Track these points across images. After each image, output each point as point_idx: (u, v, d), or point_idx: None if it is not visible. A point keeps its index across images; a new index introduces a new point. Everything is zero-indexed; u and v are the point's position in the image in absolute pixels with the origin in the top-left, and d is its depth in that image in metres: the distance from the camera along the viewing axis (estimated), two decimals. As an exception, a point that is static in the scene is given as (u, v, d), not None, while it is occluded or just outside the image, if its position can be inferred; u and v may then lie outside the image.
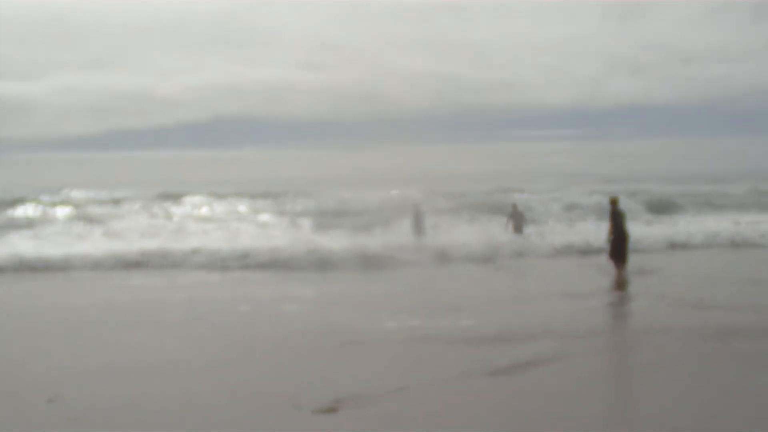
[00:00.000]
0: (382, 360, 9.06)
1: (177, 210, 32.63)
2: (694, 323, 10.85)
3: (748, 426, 6.49)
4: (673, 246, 22.05)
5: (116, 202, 35.55)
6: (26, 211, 33.26)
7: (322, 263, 18.63)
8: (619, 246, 16.46)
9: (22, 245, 21.03)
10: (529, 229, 24.45)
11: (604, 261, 16.88)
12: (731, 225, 25.98)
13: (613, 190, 29.71)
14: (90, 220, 27.45)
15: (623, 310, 13.05)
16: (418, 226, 23.71)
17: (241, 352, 9.54)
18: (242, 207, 33.16)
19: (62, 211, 32.95)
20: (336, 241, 20.71)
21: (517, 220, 24.12)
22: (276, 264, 18.80)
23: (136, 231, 24.49)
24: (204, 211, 32.43)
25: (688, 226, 26.28)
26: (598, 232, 21.72)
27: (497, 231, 23.96)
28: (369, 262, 18.56)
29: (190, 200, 35.00)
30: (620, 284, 15.27)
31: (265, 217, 29.25)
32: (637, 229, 21.79)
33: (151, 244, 20.66)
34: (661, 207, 32.33)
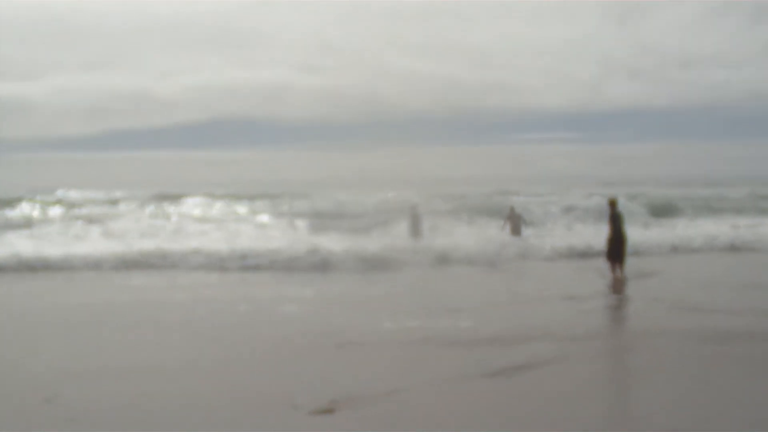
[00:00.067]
0: (380, 361, 9.06)
1: (175, 210, 32.60)
2: (692, 326, 10.86)
3: (746, 428, 6.48)
4: (672, 249, 22.04)
5: (115, 202, 35.57)
6: (25, 210, 33.23)
7: (320, 264, 18.62)
8: (616, 248, 16.46)
9: (21, 245, 20.99)
10: (527, 232, 24.47)
11: (602, 263, 16.89)
12: (730, 229, 25.98)
13: (612, 193, 29.75)
14: (88, 220, 27.40)
15: (621, 313, 13.05)
16: (416, 228, 23.72)
17: (239, 352, 9.53)
18: (240, 208, 33.14)
19: (61, 211, 32.93)
20: (334, 243, 20.70)
21: (515, 222, 24.15)
22: (275, 265, 18.79)
23: (134, 231, 24.48)
24: (202, 211, 32.39)
25: (686, 229, 26.28)
26: (597, 234, 21.77)
27: (495, 233, 23.98)
28: (367, 264, 18.55)
29: (188, 201, 34.97)
30: (618, 287, 15.26)
31: (263, 219, 29.23)
32: (635, 232, 21.81)
33: (149, 245, 20.64)
34: (661, 210, 32.32)
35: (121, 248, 20.13)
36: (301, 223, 27.27)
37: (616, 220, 16.55)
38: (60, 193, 40.54)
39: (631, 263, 17.10)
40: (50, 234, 23.80)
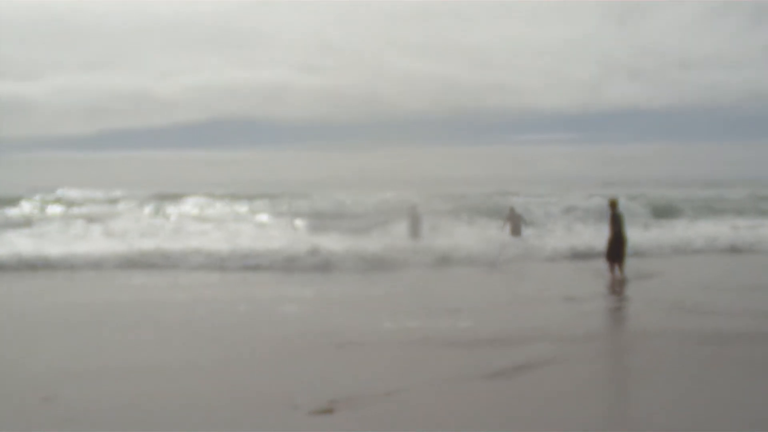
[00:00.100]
0: (380, 361, 9.05)
1: (175, 210, 32.61)
2: (692, 327, 10.86)
3: (745, 428, 6.47)
4: (673, 250, 22.01)
5: (114, 201, 35.58)
6: (24, 209, 33.27)
7: (320, 264, 18.62)
8: (616, 249, 16.45)
9: (21, 244, 21.00)
10: (527, 232, 24.46)
11: (602, 264, 16.89)
12: (730, 230, 25.97)
13: (612, 193, 29.72)
14: (88, 219, 27.37)
15: (621, 314, 13.04)
16: (415, 229, 23.72)
17: (239, 352, 9.52)
18: (240, 208, 33.14)
19: (60, 211, 32.96)
20: (334, 243, 20.70)
21: (515, 222, 24.14)
22: (274, 265, 18.78)
23: (134, 231, 24.46)
24: (202, 211, 32.39)
25: (687, 230, 26.25)
26: (597, 235, 21.78)
27: (495, 233, 23.97)
28: (367, 264, 18.56)
29: (187, 201, 34.96)
30: (617, 287, 15.25)
31: (263, 218, 29.23)
32: (636, 233, 21.80)
33: (149, 244, 20.61)
34: (662, 211, 32.32)
35: (121, 248, 20.11)
36: (301, 223, 27.30)
37: (616, 221, 16.54)
38: (60, 192, 40.52)
39: (631, 264, 17.10)
40: (50, 233, 23.79)
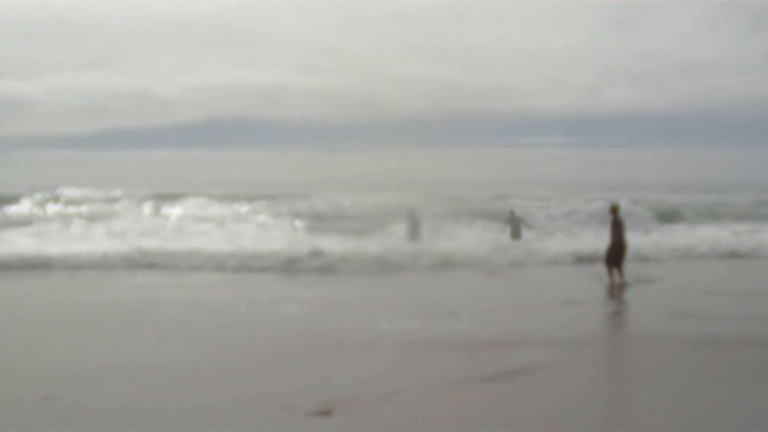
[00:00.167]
0: (379, 363, 9.05)
1: (173, 210, 32.61)
2: (690, 332, 10.86)
3: (745, 429, 6.49)
4: (673, 255, 21.99)
5: (113, 201, 35.57)
6: (24, 209, 33.27)
7: (319, 266, 18.61)
8: (616, 254, 16.44)
9: (21, 242, 21.00)
10: (527, 235, 24.46)
11: (601, 268, 16.88)
12: (731, 235, 25.95)
13: (611, 197, 29.72)
14: (87, 218, 27.37)
15: (619, 318, 13.05)
16: (414, 231, 23.70)
17: (239, 352, 9.53)
18: (238, 209, 33.13)
19: (60, 210, 32.95)
20: (333, 244, 20.71)
21: (515, 225, 24.14)
22: (274, 266, 18.77)
23: (133, 230, 24.47)
24: (201, 211, 32.38)
25: (687, 235, 26.22)
26: (596, 239, 21.78)
27: (494, 236, 23.96)
28: (366, 266, 18.55)
29: (186, 201, 34.94)
30: (616, 292, 15.25)
31: (261, 220, 29.21)
32: (636, 238, 21.78)
33: (148, 244, 20.60)
34: (662, 216, 32.31)
35: (121, 247, 20.09)
36: (300, 225, 27.30)
37: (617, 227, 16.53)
38: (59, 191, 40.49)
39: (631, 269, 17.10)
40: (50, 232, 23.80)
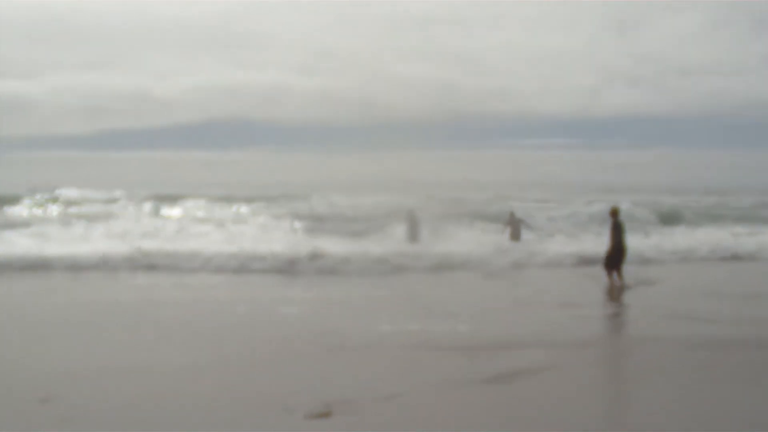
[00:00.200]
0: (378, 364, 9.06)
1: (173, 211, 32.60)
2: (689, 334, 10.86)
3: (744, 429, 6.50)
4: (673, 257, 21.98)
5: (112, 201, 35.56)
6: (23, 209, 33.26)
7: (318, 267, 18.61)
8: (616, 257, 16.44)
9: (20, 243, 20.98)
10: (527, 237, 24.46)
11: (601, 270, 16.88)
12: (731, 237, 25.94)
13: (612, 199, 29.71)
14: (88, 219, 27.36)
15: (619, 320, 13.04)
16: (413, 232, 23.69)
17: (238, 353, 9.53)
18: (238, 209, 33.12)
19: (59, 210, 32.94)
20: (332, 245, 20.70)
21: (515, 227, 24.14)
22: (273, 267, 18.76)
23: (133, 231, 24.45)
24: (200, 213, 32.38)
25: (687, 237, 26.22)
26: (596, 241, 21.77)
27: (494, 238, 23.96)
28: (365, 267, 18.54)
29: (186, 202, 34.93)
30: (616, 294, 15.25)
31: (261, 221, 29.19)
32: (636, 240, 21.77)
33: (148, 245, 20.58)
34: (664, 217, 32.29)
35: (121, 248, 20.08)
36: (299, 226, 27.30)
37: (617, 230, 16.52)
38: (59, 191, 40.48)
39: (631, 271, 17.10)
40: (50, 232, 23.74)
